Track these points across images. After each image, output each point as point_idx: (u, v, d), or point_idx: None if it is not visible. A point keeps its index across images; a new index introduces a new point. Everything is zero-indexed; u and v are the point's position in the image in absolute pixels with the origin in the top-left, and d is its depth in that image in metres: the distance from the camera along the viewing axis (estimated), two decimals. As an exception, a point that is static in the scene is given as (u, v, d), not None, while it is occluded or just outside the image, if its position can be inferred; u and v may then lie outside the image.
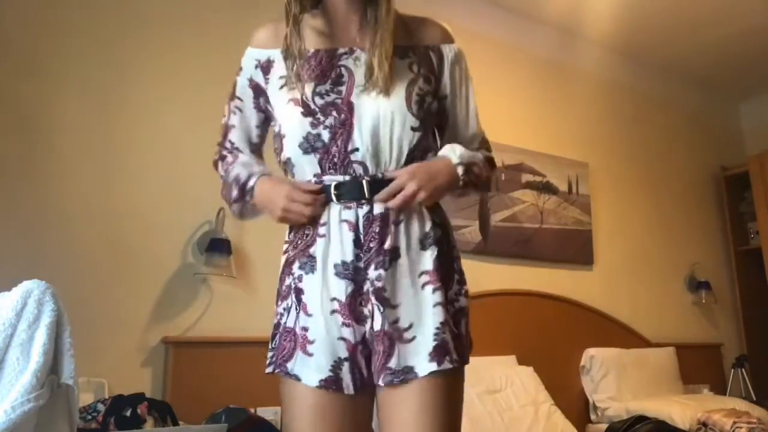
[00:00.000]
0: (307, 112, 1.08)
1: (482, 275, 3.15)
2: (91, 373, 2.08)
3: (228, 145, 1.25)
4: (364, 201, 1.06)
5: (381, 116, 1.06)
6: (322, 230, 1.07)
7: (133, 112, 2.47)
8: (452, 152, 1.13)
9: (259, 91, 1.19)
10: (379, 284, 1.03)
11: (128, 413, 1.83)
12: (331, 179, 1.07)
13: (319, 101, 1.08)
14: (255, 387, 2.35)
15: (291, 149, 1.10)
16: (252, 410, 2.23)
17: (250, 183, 1.16)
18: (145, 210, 2.41)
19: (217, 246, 2.43)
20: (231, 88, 1.24)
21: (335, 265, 1.04)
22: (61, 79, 2.34)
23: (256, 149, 1.26)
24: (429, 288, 1.05)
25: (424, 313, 1.04)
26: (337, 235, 1.05)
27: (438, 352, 1.02)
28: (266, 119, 1.23)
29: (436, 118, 1.17)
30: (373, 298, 1.03)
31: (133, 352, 2.28)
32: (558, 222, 3.64)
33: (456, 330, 1.08)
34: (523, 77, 3.74)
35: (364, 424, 1.08)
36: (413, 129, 1.08)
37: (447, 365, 1.02)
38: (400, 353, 1.02)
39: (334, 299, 1.04)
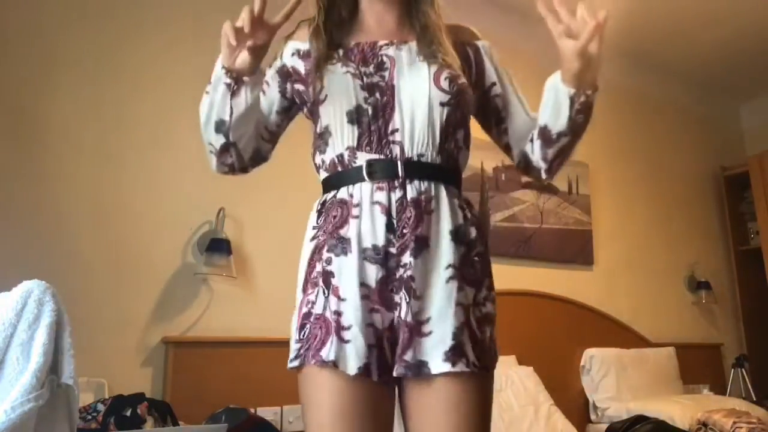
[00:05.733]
0: (364, 85, 1.09)
1: (482, 275, 3.14)
2: (91, 373, 2.08)
3: None
4: (397, 184, 1.04)
5: (417, 97, 1.08)
6: (355, 211, 1.04)
7: (131, 112, 2.47)
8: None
9: (288, 77, 1.19)
10: (408, 273, 1.01)
11: (128, 413, 1.83)
12: (365, 156, 1.06)
13: (366, 80, 1.10)
14: (255, 387, 2.36)
15: (336, 116, 1.09)
16: (252, 410, 2.23)
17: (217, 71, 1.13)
18: (145, 210, 2.41)
19: (217, 246, 2.43)
20: None
21: (365, 249, 1.02)
22: (59, 80, 2.34)
23: (270, 138, 1.22)
24: (454, 284, 1.02)
25: (445, 308, 1.01)
26: (368, 217, 1.03)
27: (454, 353, 0.99)
28: (287, 110, 1.22)
29: (473, 103, 1.19)
30: (402, 287, 1.01)
31: (133, 352, 2.28)
32: (558, 222, 3.64)
33: (479, 335, 1.04)
34: (523, 77, 3.73)
35: (391, 413, 1.06)
36: (442, 104, 1.08)
37: (462, 368, 0.98)
38: (416, 347, 0.99)
39: (363, 284, 1.01)
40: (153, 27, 2.58)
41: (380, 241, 1.02)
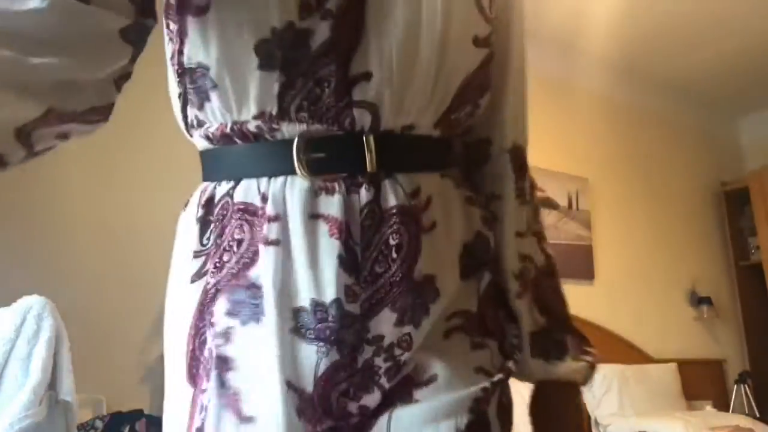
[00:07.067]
0: None
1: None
2: (89, 389, 2.06)
3: None
4: (363, 179, 0.53)
5: (423, 12, 0.53)
6: (272, 230, 0.52)
7: (130, 119, 2.47)
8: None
9: None
10: (402, 356, 0.52)
11: (126, 430, 1.82)
12: (297, 128, 0.52)
13: None
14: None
15: (230, 50, 0.53)
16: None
17: None
18: (143, 222, 2.40)
19: (217, 261, 2.42)
20: None
21: (298, 311, 0.51)
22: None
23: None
24: (465, 340, 0.57)
25: (454, 365, 0.55)
26: (303, 245, 0.51)
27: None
28: None
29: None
30: (384, 383, 0.52)
31: (131, 369, 2.27)
32: (558, 237, 3.64)
33: (507, 401, 0.61)
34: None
35: None
36: (477, 41, 0.56)
37: None
38: (391, 415, 0.52)
39: (290, 386, 0.50)
40: (153, 32, 2.60)
41: (329, 294, 0.50)
